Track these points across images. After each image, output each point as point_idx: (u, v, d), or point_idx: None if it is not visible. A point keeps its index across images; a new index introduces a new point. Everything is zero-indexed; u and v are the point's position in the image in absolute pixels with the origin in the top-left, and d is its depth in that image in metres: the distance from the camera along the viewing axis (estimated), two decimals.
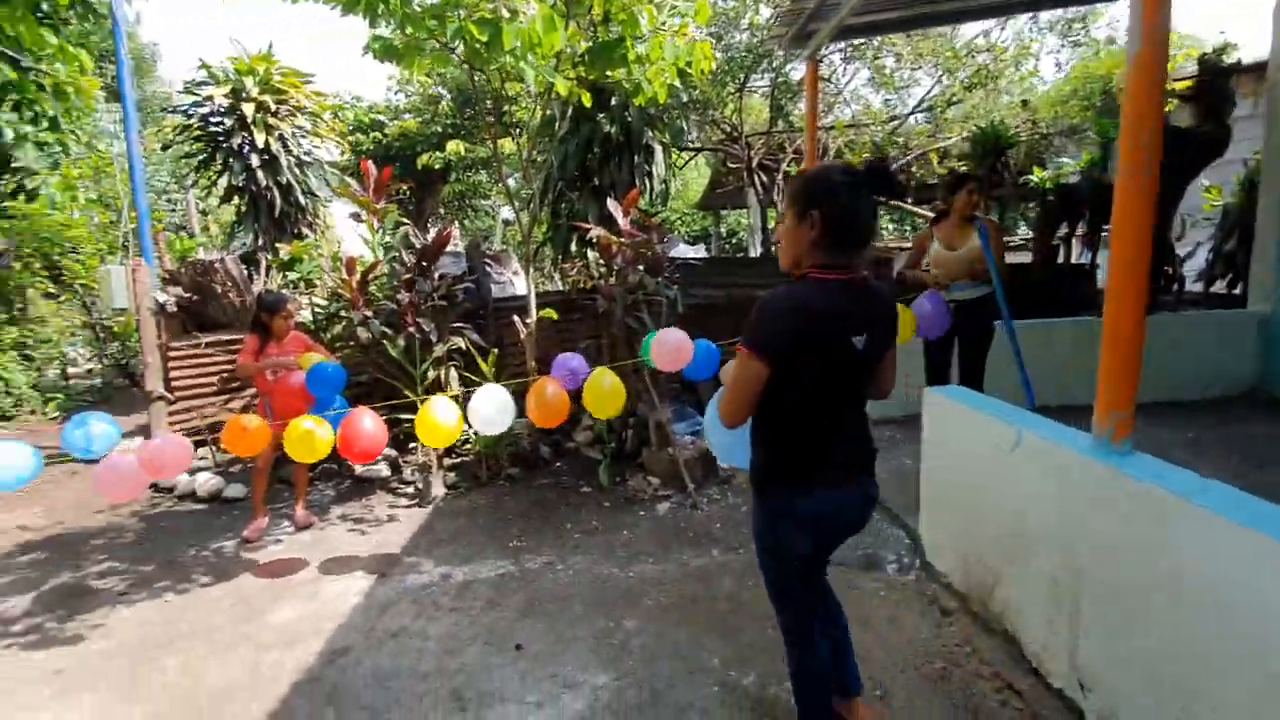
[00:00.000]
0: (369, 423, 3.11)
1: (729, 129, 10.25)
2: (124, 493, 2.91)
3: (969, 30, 8.76)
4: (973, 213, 3.85)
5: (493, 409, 3.20)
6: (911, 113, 8.40)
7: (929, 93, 8.33)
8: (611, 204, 4.49)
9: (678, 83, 4.06)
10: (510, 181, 15.36)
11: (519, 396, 3.45)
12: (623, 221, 4.40)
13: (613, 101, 5.03)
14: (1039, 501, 2.33)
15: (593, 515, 4.19)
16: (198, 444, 5.68)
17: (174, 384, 5.69)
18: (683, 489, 4.41)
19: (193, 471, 5.18)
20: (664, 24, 3.85)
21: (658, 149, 5.41)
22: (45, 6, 3.55)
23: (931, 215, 10.34)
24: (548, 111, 5.31)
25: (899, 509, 3.68)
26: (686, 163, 9.32)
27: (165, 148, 8.52)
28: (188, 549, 3.97)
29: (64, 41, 3.87)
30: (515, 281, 9.94)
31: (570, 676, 2.56)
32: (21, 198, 6.88)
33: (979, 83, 7.75)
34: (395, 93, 12.99)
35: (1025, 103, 9.06)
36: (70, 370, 8.63)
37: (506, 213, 18.78)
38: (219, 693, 2.60)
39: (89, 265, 8.68)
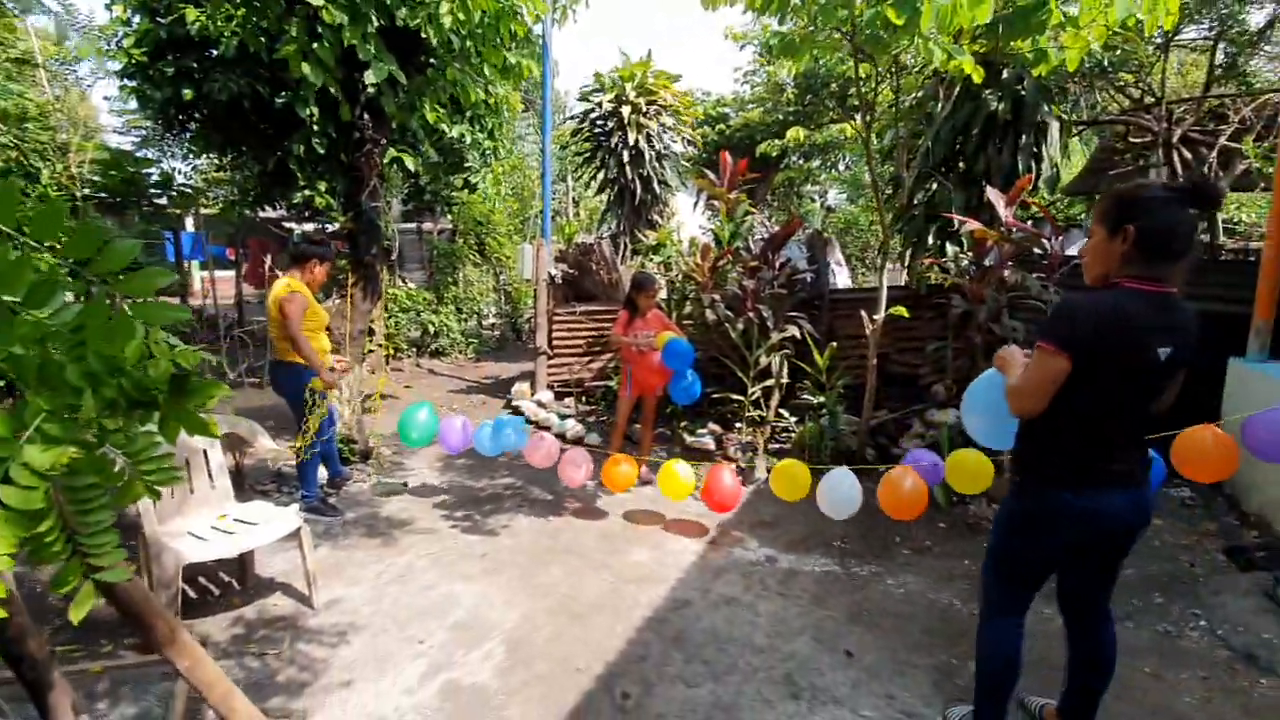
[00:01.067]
0: (728, 478, 3.57)
1: (1140, 94, 8.23)
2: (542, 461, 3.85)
3: None
4: None
5: (841, 495, 3.15)
6: None
7: None
8: (992, 192, 3.98)
9: (1098, 45, 3.37)
10: (841, 168, 14.91)
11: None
12: (1005, 212, 3.87)
13: (1004, 75, 4.42)
14: None
15: (925, 533, 3.87)
16: (565, 394, 6.86)
17: (554, 343, 6.94)
18: None
19: (563, 417, 6.27)
20: None
21: (1054, 125, 4.60)
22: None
23: None
24: (918, 93, 4.92)
25: None
26: (1075, 135, 7.78)
27: (564, 148, 10.31)
28: (560, 481, 4.82)
29: (514, 59, 4.90)
30: (837, 271, 9.64)
31: (909, 705, 2.42)
32: (465, 191, 9.08)
33: None
34: (741, 84, 13.53)
35: None
36: (483, 323, 11.17)
37: (831, 199, 18.31)
38: (590, 605, 3.11)
39: (501, 243, 11.07)
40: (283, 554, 3.51)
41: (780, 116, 12.10)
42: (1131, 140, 8.91)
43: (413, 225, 10.64)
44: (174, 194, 9.14)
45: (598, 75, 8.54)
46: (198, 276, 12.87)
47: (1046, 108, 4.52)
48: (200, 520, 3.01)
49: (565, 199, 14.48)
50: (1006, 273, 3.91)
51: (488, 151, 8.19)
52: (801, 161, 13.88)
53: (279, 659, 2.70)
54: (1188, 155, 7.91)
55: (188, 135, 6.65)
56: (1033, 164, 4.55)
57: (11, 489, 0.76)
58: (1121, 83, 7.85)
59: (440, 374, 8.92)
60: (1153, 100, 7.72)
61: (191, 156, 9.18)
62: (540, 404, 6.62)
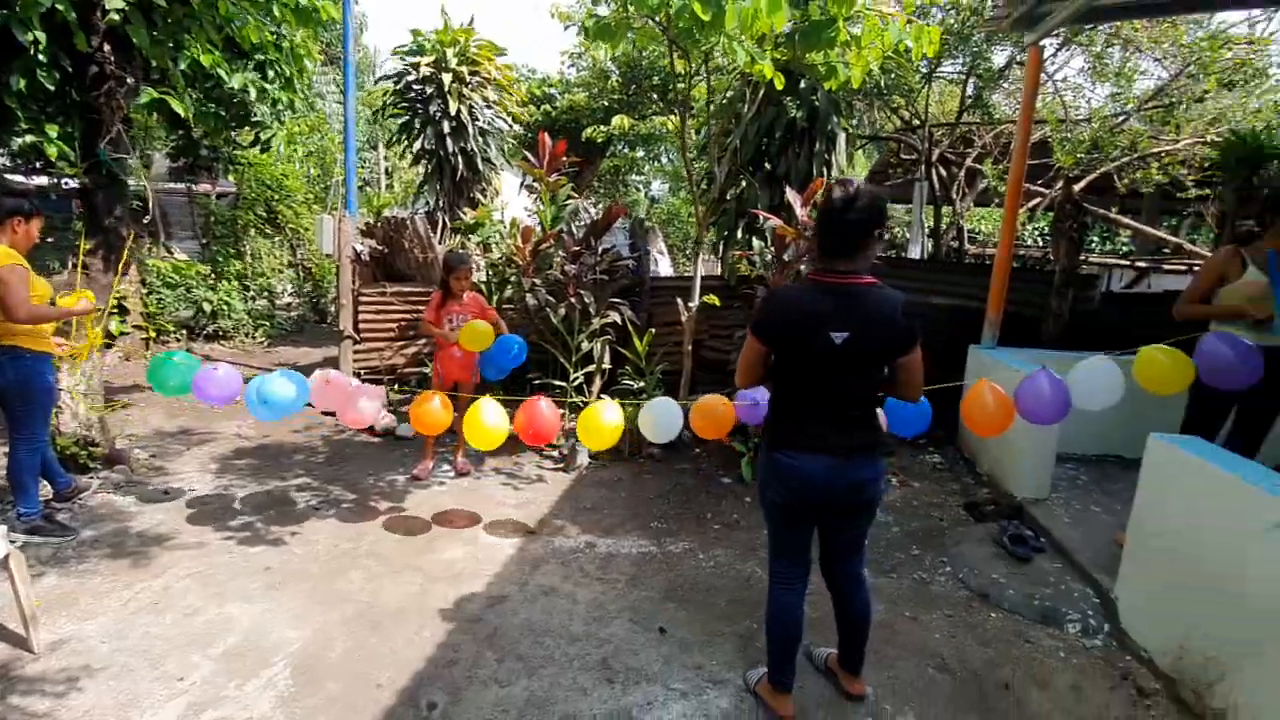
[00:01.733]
0: (545, 408, 3.13)
1: (908, 117, 9.52)
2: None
3: (1225, 17, 7.42)
4: None
5: (665, 420, 3.12)
6: (1144, 109, 7.25)
7: (1163, 87, 7.16)
8: (791, 193, 4.32)
9: (876, 67, 3.79)
10: (664, 160, 15.45)
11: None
12: (801, 212, 4.22)
13: (801, 84, 4.81)
14: None
15: (734, 509, 4.13)
16: (375, 382, 6.30)
17: (360, 326, 6.33)
18: None
19: None
20: (874, 4, 3.59)
21: (841, 136, 5.12)
22: None
23: (1132, 227, 9.02)
24: (729, 93, 5.19)
25: (1086, 562, 3.27)
26: (858, 149, 8.78)
27: (376, 112, 9.37)
28: (367, 476, 4.41)
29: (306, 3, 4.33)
30: (660, 260, 9.97)
31: (716, 672, 2.54)
32: (257, 149, 7.88)
33: (1236, 79, 6.51)
34: (568, 67, 13.39)
35: None
36: (276, 303, 9.89)
37: (655, 190, 18.93)
38: (394, 612, 2.86)
39: (298, 212, 9.84)
40: None
41: (606, 103, 12.17)
42: (903, 156, 10.31)
43: (183, 186, 9.04)
44: None
45: (415, 34, 7.86)
46: None
47: (836, 119, 5.02)
48: None
49: (377, 168, 13.29)
50: (803, 267, 4.29)
51: (281, 105, 7.20)
52: (627, 150, 14.13)
53: None
54: (944, 173, 9.35)
55: None
56: (824, 169, 5.03)
57: None
58: (895, 105, 9.00)
59: (221, 360, 7.74)
60: (918, 123, 8.97)
61: None
62: None
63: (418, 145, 7.88)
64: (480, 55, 7.88)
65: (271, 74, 6.58)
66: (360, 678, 2.44)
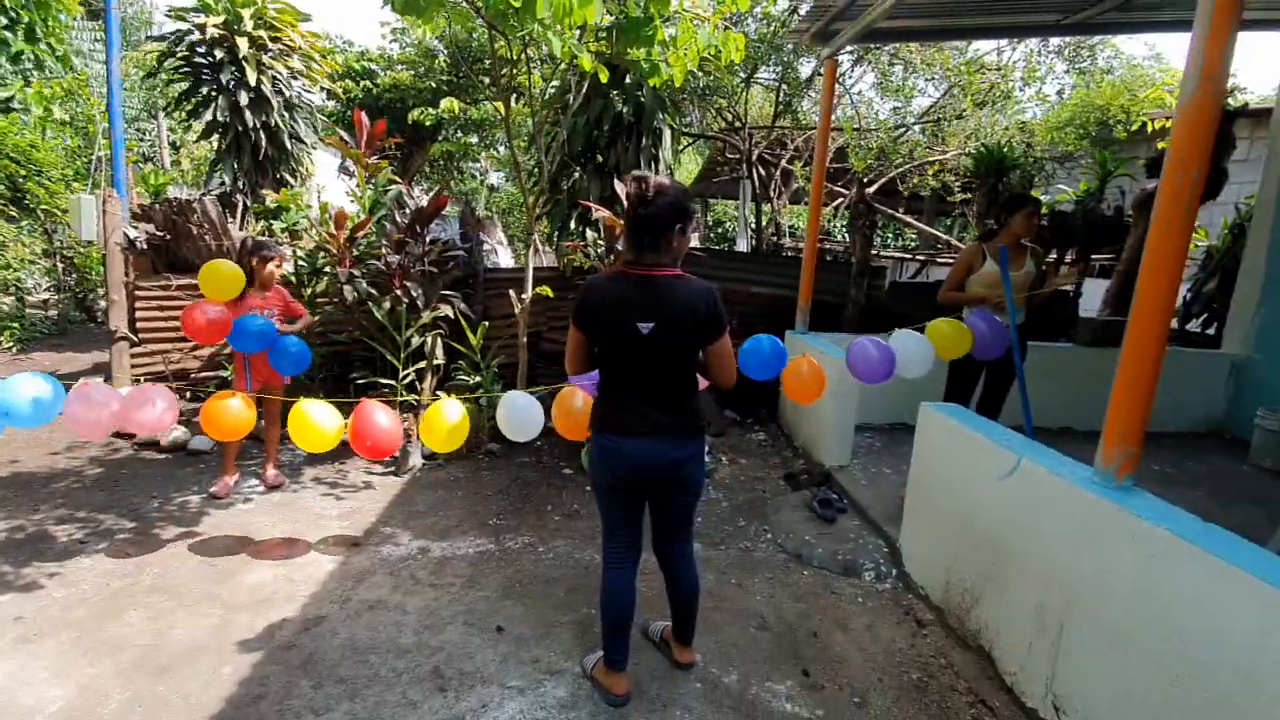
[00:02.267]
0: (384, 418, 2.81)
1: (731, 118, 10.15)
2: (93, 432, 2.69)
3: (980, 46, 8.80)
4: (1029, 235, 3.62)
5: (521, 419, 2.96)
6: (918, 122, 8.39)
7: (935, 104, 8.35)
8: (619, 185, 4.40)
9: (695, 68, 3.99)
10: (501, 149, 15.05)
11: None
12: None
13: (627, 80, 4.91)
14: (1031, 529, 2.37)
15: (574, 499, 4.16)
16: None
17: (139, 325, 5.45)
18: None
19: None
20: (690, 6, 3.76)
21: (666, 132, 5.31)
22: None
23: (915, 225, 10.44)
24: (555, 83, 5.16)
25: (878, 517, 3.73)
26: (685, 148, 9.20)
27: (148, 75, 8.04)
28: (151, 500, 3.82)
29: None
30: (499, 251, 9.71)
31: (553, 663, 2.54)
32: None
33: (989, 100, 7.78)
34: (390, 42, 12.51)
35: (1023, 125, 9.16)
36: (27, 300, 8.20)
37: (493, 179, 18.38)
38: (185, 651, 2.52)
39: (54, 191, 8.21)
40: None
41: (433, 84, 11.56)
42: (728, 155, 10.98)
43: None
44: None
45: None
46: None
47: (661, 116, 5.21)
48: None
49: (159, 141, 11.47)
50: None
51: (25, 59, 5.95)
52: (460, 135, 13.54)
53: None
54: (763, 172, 10.11)
55: None
56: (652, 164, 5.20)
57: None
58: (719, 106, 9.54)
59: None
60: (739, 124, 9.60)
61: None
62: None
63: (207, 116, 6.92)
64: (280, 20, 7.09)
65: (4, 21, 5.41)
66: None
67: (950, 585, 2.88)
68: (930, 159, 8.46)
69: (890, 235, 18.01)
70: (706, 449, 4.95)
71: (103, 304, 7.95)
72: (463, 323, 4.94)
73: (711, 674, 2.53)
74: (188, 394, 5.42)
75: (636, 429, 2.15)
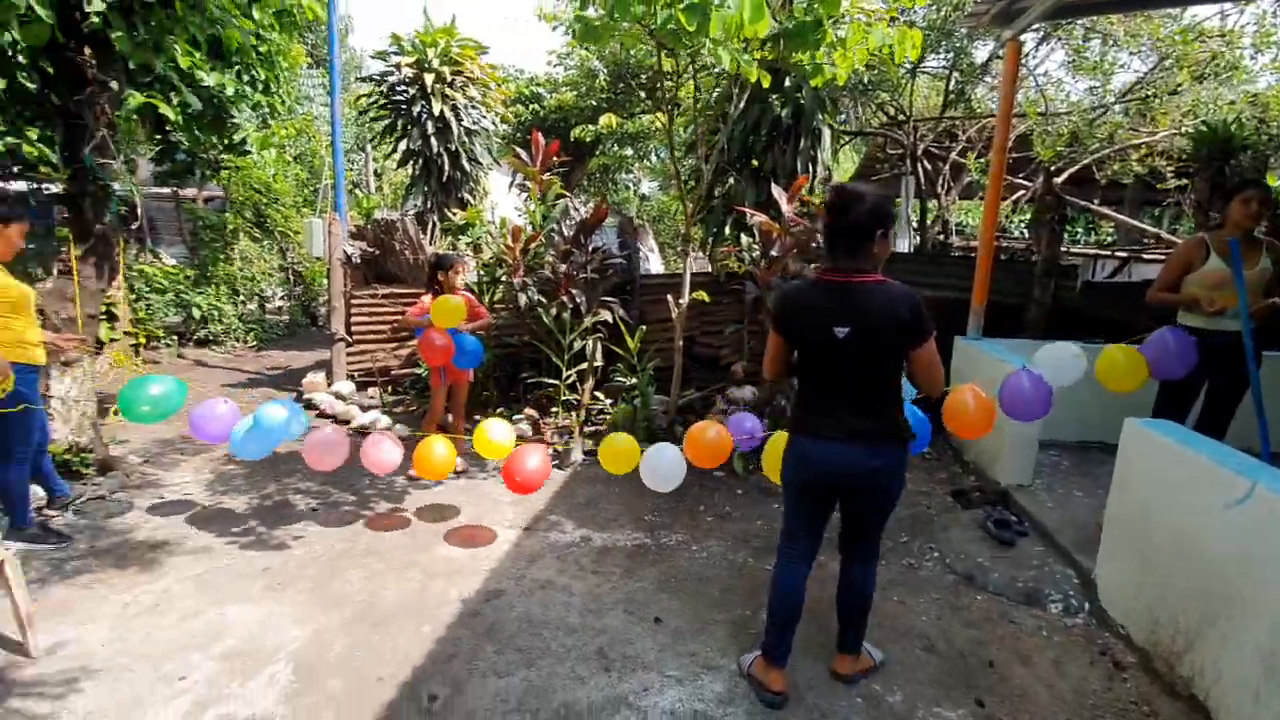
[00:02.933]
0: (534, 459, 3.28)
1: (893, 112, 9.62)
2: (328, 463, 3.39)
3: (1197, 11, 7.54)
4: (1254, 227, 3.08)
5: (665, 467, 3.17)
6: (1121, 101, 7.37)
7: (1141, 80, 7.28)
8: (776, 190, 4.38)
9: (861, 65, 3.86)
10: (655, 159, 15.48)
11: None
12: (787, 208, 4.29)
13: (786, 82, 4.87)
14: (1264, 566, 2.03)
15: (726, 501, 4.21)
16: (368, 384, 6.33)
17: (353, 328, 6.35)
18: None
19: (366, 409, 5.78)
20: (861, 4, 3.66)
21: (825, 133, 5.19)
22: None
23: (1118, 219, 9.16)
24: (714, 91, 5.25)
25: (1067, 544, 3.37)
26: (843, 146, 8.86)
27: (361, 114, 9.36)
28: (363, 478, 4.44)
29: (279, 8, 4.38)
30: (650, 258, 10.01)
31: (709, 658, 2.61)
32: (236, 154, 7.83)
33: (1210, 72, 6.64)
34: (555, 66, 13.39)
35: (1254, 98, 7.69)
36: (266, 306, 9.87)
37: (645, 188, 18.97)
38: (394, 609, 2.91)
39: (287, 215, 9.82)
40: None
41: (594, 102, 12.20)
42: (889, 151, 10.41)
43: (169, 191, 9.00)
44: None
45: (395, 37, 7.87)
46: None
47: (821, 116, 5.09)
48: None
49: (365, 170, 13.26)
50: (790, 262, 4.36)
51: (263, 109, 7.18)
52: (616, 148, 14.16)
53: None
54: (929, 167, 9.46)
55: None
56: (810, 166, 5.10)
57: None
58: (880, 100, 9.09)
59: (212, 365, 7.74)
60: (903, 118, 9.07)
61: None
62: (339, 395, 6.04)
63: (403, 146, 7.89)
64: (462, 55, 7.90)
65: (247, 78, 6.58)
66: (361, 674, 2.49)
67: (1159, 625, 2.53)
68: (1135, 141, 7.40)
69: (1080, 230, 15.97)
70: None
71: (323, 310, 9.36)
72: (622, 327, 5.19)
73: (874, 690, 2.45)
74: (389, 389, 6.23)
75: (829, 433, 2.17)
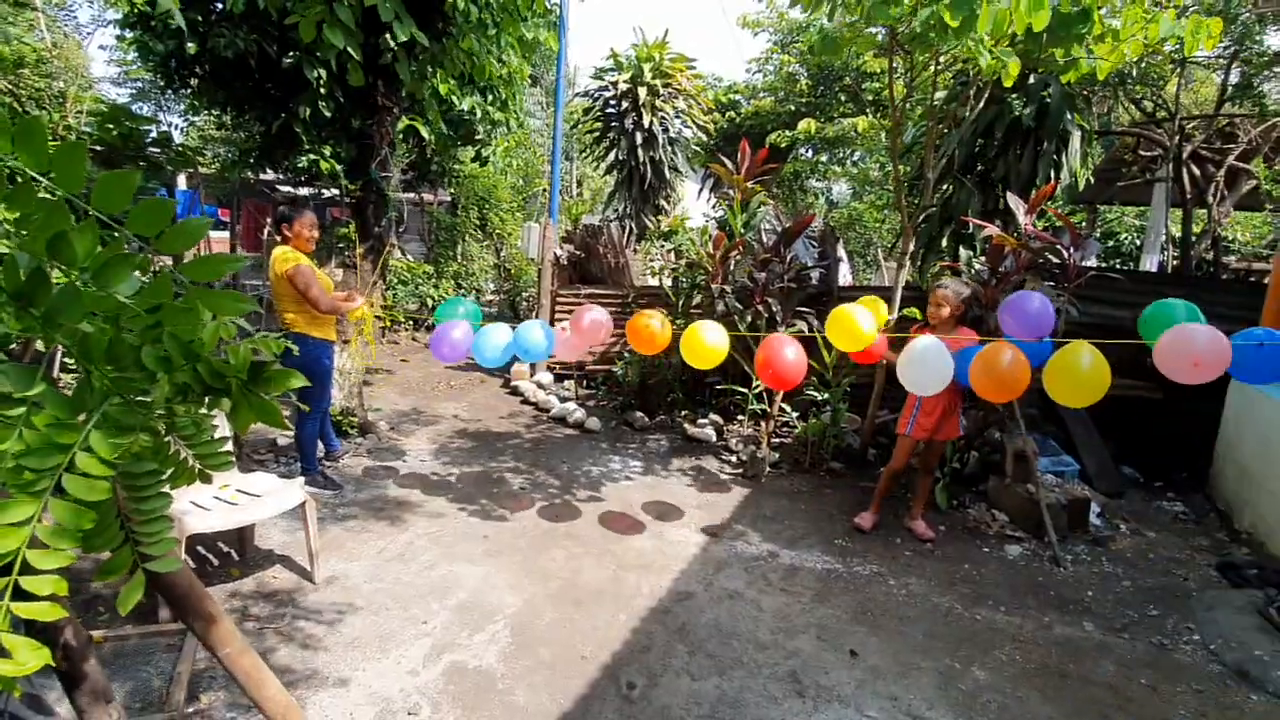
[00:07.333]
0: (791, 352, 3.17)
1: (1152, 108, 8.23)
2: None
3: None
4: None
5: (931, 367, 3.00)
6: None
7: None
8: (1013, 198, 3.95)
9: (1133, 58, 3.34)
10: (850, 164, 14.81)
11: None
12: (1025, 219, 3.85)
13: (1030, 80, 4.38)
14: None
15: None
16: (564, 377, 6.82)
17: (555, 324, 6.88)
18: (1039, 535, 3.83)
19: (562, 400, 6.23)
20: None
21: (1075, 134, 4.57)
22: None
23: None
24: (940, 91, 4.87)
25: None
26: (1093, 146, 7.76)
27: (573, 126, 10.14)
28: (563, 464, 4.80)
29: (532, 33, 4.88)
30: (840, 267, 9.57)
31: (914, 707, 2.44)
32: (473, 163, 8.91)
33: None
34: (754, 73, 13.38)
35: None
36: (481, 299, 11.07)
37: (835, 193, 18.22)
38: (592, 592, 3.11)
39: (504, 219, 10.93)
40: (279, 526, 3.47)
41: (792, 107, 11.99)
42: (1140, 153, 8.92)
43: (412, 195, 10.46)
44: (172, 153, 8.93)
45: (614, 54, 8.38)
46: None
47: (1070, 116, 4.49)
48: (203, 490, 2.96)
49: (569, 178, 14.32)
50: (1029, 281, 3.90)
51: (498, 124, 8.04)
52: (810, 154, 13.79)
53: (278, 634, 2.67)
54: (1196, 172, 7.94)
55: (188, 91, 6.46)
56: (1052, 172, 4.53)
57: (76, 478, 0.72)
58: (1137, 95, 7.83)
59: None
60: (1165, 115, 7.71)
61: (190, 113, 8.93)
62: (539, 385, 6.59)
63: (611, 156, 8.37)
64: (673, 68, 8.18)
65: (490, 97, 7.40)
66: (567, 648, 2.69)
67: None
68: None
69: None
70: (1098, 510, 4.15)
71: (526, 305, 10.26)
72: (817, 339, 5.03)
73: None
74: (584, 383, 6.66)
75: None
